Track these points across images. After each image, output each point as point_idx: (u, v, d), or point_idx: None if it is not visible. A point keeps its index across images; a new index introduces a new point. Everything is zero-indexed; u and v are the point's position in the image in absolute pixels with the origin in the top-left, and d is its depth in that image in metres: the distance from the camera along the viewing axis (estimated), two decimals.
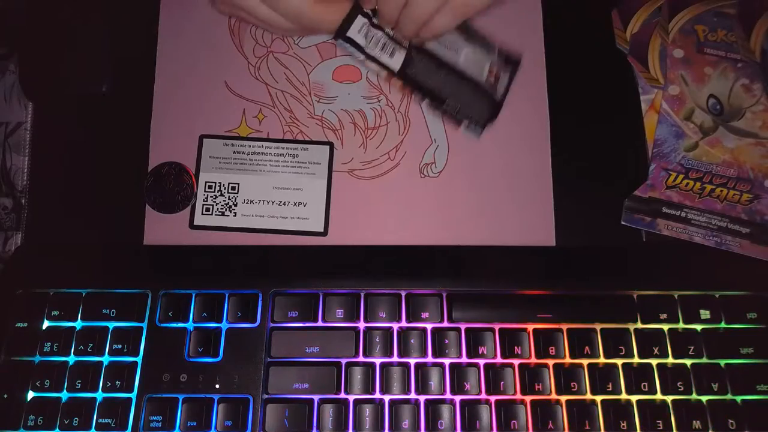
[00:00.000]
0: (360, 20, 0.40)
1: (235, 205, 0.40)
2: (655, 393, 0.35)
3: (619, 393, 0.35)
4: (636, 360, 0.36)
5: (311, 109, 0.42)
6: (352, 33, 0.40)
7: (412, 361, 0.36)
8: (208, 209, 0.40)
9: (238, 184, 0.40)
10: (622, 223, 0.40)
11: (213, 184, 0.40)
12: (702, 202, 0.40)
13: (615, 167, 0.41)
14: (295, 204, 0.40)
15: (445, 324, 0.37)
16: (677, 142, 0.41)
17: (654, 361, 0.36)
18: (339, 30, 0.40)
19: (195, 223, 0.40)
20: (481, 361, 0.36)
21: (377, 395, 0.35)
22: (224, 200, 0.40)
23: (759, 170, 0.40)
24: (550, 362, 0.36)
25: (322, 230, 0.40)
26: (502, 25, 0.42)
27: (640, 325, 0.37)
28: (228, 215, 0.40)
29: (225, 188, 0.40)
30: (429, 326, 0.37)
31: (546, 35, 0.43)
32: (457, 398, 0.35)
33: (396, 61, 0.40)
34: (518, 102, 0.42)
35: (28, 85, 0.42)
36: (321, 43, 0.43)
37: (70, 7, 0.44)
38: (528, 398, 0.35)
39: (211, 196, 0.40)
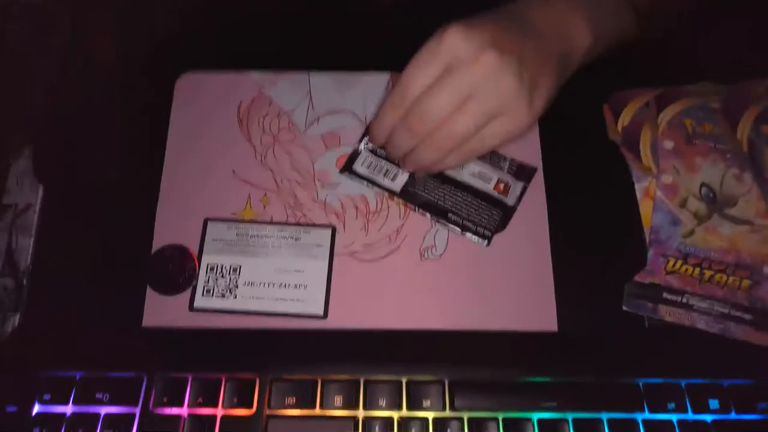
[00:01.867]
0: (364, 154, 0.43)
1: (236, 288, 0.40)
2: None
3: None
4: None
5: (315, 194, 0.43)
6: (357, 167, 0.43)
7: None
8: (208, 291, 0.40)
9: (240, 266, 0.41)
10: (624, 308, 0.40)
11: (215, 267, 0.41)
12: (702, 288, 0.40)
13: (614, 253, 0.42)
14: (295, 286, 0.40)
15: (448, 413, 0.36)
16: (674, 229, 0.42)
17: None
18: (345, 166, 0.43)
19: (195, 305, 0.40)
20: None
21: None
22: (225, 282, 0.40)
23: (757, 257, 0.40)
24: None
25: (321, 314, 0.40)
26: None
27: (648, 415, 0.35)
28: (228, 297, 0.40)
29: (227, 270, 0.41)
30: (431, 415, 0.35)
31: (541, 128, 0.45)
32: None
33: (398, 184, 0.42)
34: None
35: (41, 168, 0.44)
36: (326, 133, 0.45)
37: (86, 94, 0.46)
38: None
39: (212, 278, 0.40)
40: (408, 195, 0.42)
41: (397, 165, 0.42)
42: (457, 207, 0.42)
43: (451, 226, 0.41)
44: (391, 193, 0.42)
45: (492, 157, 0.43)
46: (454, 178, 0.43)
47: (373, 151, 0.43)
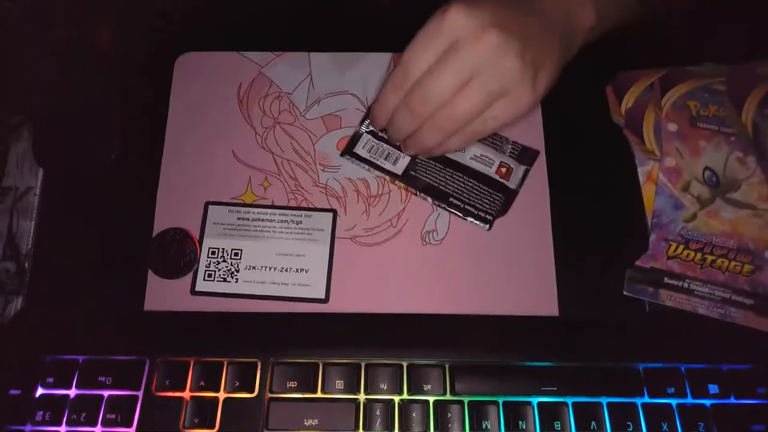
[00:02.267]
0: (365, 137, 0.43)
1: (237, 271, 0.40)
2: None
3: None
4: None
5: (316, 177, 0.43)
6: (358, 149, 0.43)
7: None
8: (210, 275, 0.40)
9: (241, 250, 0.41)
10: (625, 293, 0.40)
11: (216, 250, 0.41)
12: (704, 273, 0.40)
13: (616, 237, 0.42)
14: (297, 270, 0.40)
15: (448, 397, 0.36)
16: (676, 213, 0.42)
17: None
18: (346, 149, 0.43)
19: (197, 289, 0.40)
20: None
21: None
22: (227, 266, 0.40)
23: (759, 241, 0.40)
24: None
25: (323, 297, 0.40)
26: None
27: (647, 400, 0.36)
28: (230, 281, 0.40)
29: (228, 254, 0.41)
30: (431, 399, 0.36)
31: (544, 110, 0.44)
32: None
33: (399, 167, 0.42)
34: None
35: (40, 152, 0.43)
36: (327, 115, 0.45)
37: (84, 76, 0.46)
38: None
39: (213, 262, 0.40)
40: (409, 179, 0.42)
41: (399, 148, 0.42)
42: (458, 191, 0.41)
43: (453, 210, 0.41)
44: (393, 176, 0.42)
45: (494, 140, 0.43)
46: (455, 162, 0.42)
47: (374, 134, 0.43)
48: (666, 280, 0.40)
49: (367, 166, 0.42)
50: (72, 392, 0.36)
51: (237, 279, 0.40)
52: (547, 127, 0.44)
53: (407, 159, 0.42)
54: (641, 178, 0.43)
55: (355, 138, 0.43)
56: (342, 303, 0.40)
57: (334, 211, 0.42)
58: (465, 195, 0.41)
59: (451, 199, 0.41)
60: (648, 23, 0.42)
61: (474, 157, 0.42)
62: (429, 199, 0.42)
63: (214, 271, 0.40)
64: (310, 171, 0.43)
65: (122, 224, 0.41)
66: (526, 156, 0.43)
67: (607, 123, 0.45)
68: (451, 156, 0.42)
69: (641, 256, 0.41)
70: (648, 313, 0.40)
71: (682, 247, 0.41)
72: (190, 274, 0.40)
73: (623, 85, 0.45)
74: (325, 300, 0.40)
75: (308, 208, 0.42)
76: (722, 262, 0.40)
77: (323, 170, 0.43)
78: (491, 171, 0.42)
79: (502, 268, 0.41)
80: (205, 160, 0.43)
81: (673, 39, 0.46)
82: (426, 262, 0.41)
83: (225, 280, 0.40)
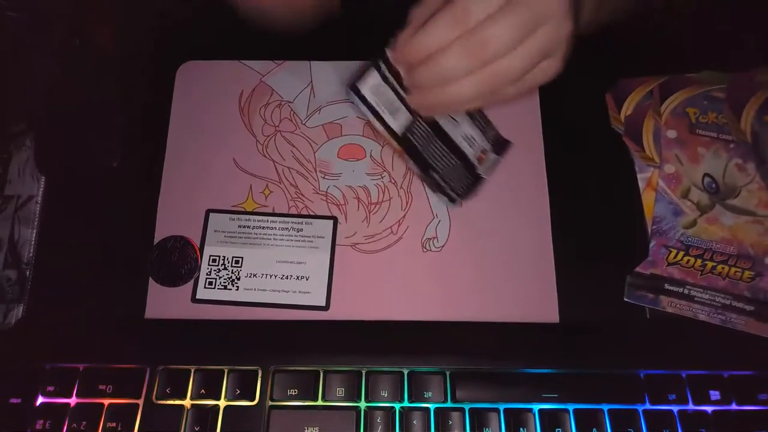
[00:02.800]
0: (374, 76, 0.38)
1: (238, 279, 0.40)
2: None
3: None
4: None
5: (317, 185, 0.43)
6: (363, 87, 0.38)
7: None
8: (210, 283, 0.40)
9: (242, 257, 0.41)
10: (625, 300, 0.40)
11: (217, 258, 0.41)
12: (704, 279, 0.40)
13: (616, 244, 0.42)
14: (297, 278, 0.40)
15: (449, 404, 0.36)
16: (676, 220, 0.42)
17: None
18: (352, 82, 0.38)
19: (197, 296, 0.40)
20: None
21: None
22: (227, 274, 0.40)
23: (759, 247, 0.40)
24: None
25: (323, 305, 0.40)
26: (501, 108, 0.44)
27: (648, 406, 0.36)
28: (231, 289, 0.40)
29: (229, 262, 0.41)
30: (432, 406, 0.36)
31: (543, 117, 0.45)
32: None
33: (399, 123, 0.39)
34: (518, 180, 0.43)
35: (42, 160, 0.44)
36: (327, 123, 0.45)
37: (86, 84, 0.46)
38: None
39: (214, 270, 0.40)
40: (405, 141, 0.39)
41: (405, 106, 0.39)
42: (440, 166, 0.41)
43: (428, 182, 0.41)
44: (390, 132, 0.39)
45: (482, 124, 0.43)
46: (448, 136, 0.41)
47: (384, 78, 0.38)
48: (666, 286, 0.40)
49: (367, 111, 0.38)
50: (72, 400, 0.36)
51: (238, 287, 0.40)
52: (546, 133, 0.44)
53: (405, 118, 0.39)
54: (641, 184, 0.43)
55: (363, 72, 0.38)
56: (342, 310, 0.40)
57: (335, 219, 0.42)
58: (445, 172, 0.41)
59: (431, 172, 0.40)
60: (648, 21, 0.41)
61: (464, 136, 0.42)
62: (413, 164, 0.40)
63: (215, 279, 0.40)
64: (310, 178, 0.43)
65: (123, 232, 0.41)
66: (498, 144, 0.43)
67: (606, 130, 0.45)
68: (447, 129, 0.41)
69: (641, 262, 0.41)
70: (648, 319, 0.40)
71: (682, 253, 0.41)
72: (191, 282, 0.40)
73: (622, 92, 0.45)
74: (326, 307, 0.40)
75: (309, 215, 0.42)
76: (722, 268, 0.40)
77: (324, 178, 0.43)
78: (473, 154, 0.42)
79: (503, 275, 0.41)
80: (206, 168, 0.43)
81: (673, 46, 0.46)
82: (426, 269, 0.41)
83: (226, 287, 0.40)
